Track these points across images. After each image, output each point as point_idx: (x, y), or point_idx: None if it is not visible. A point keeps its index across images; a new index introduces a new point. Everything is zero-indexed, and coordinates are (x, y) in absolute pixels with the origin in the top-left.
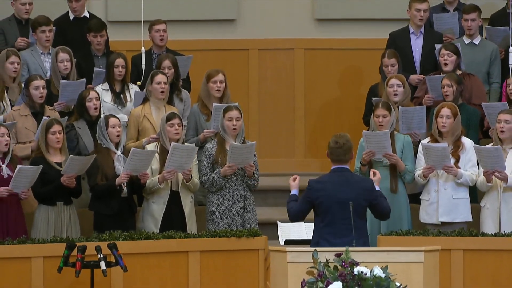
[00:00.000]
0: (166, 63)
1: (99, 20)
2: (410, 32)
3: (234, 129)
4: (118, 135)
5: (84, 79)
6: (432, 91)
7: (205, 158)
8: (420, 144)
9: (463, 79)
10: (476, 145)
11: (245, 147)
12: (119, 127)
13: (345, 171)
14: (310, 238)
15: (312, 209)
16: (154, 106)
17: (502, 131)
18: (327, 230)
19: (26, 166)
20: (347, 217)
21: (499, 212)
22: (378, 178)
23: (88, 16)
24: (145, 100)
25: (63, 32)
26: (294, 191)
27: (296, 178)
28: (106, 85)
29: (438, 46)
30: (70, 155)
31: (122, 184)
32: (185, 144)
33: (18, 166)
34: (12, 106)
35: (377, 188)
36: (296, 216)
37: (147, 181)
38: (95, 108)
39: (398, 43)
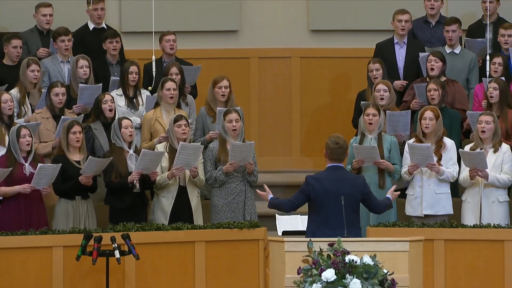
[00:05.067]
0: (174, 70)
1: (114, 30)
2: (395, 42)
3: (234, 130)
4: (130, 135)
5: (101, 84)
6: (419, 97)
7: (208, 157)
8: (406, 143)
9: (445, 84)
10: (461, 150)
11: (245, 145)
12: (131, 128)
13: (340, 169)
14: (305, 229)
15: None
16: (164, 110)
17: (483, 131)
18: (322, 223)
19: (47, 164)
20: (340, 211)
21: (479, 205)
22: (394, 196)
23: (105, 27)
24: (156, 104)
25: (82, 42)
26: (270, 196)
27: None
28: (120, 91)
29: (421, 54)
30: (90, 157)
31: (135, 181)
32: (192, 143)
33: (39, 165)
34: (32, 110)
35: (389, 196)
36: (293, 207)
37: (157, 178)
38: (110, 110)
39: (383, 52)
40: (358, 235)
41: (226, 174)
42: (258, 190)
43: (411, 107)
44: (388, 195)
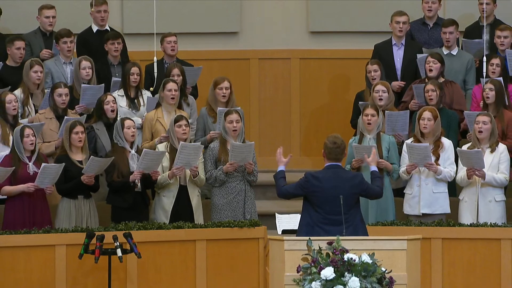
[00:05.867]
0: (175, 71)
1: (116, 31)
2: (393, 43)
3: (234, 130)
4: (132, 135)
5: (103, 84)
6: (418, 98)
7: (209, 157)
8: (404, 143)
9: (443, 85)
10: (459, 148)
11: (245, 146)
12: (133, 128)
13: (338, 168)
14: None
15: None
16: (165, 110)
17: (480, 131)
18: (322, 220)
19: (50, 164)
20: (339, 209)
21: (477, 204)
22: (372, 158)
23: (109, 29)
24: (158, 105)
25: (86, 44)
26: (282, 167)
27: (288, 156)
28: (121, 91)
29: (419, 55)
30: (91, 157)
31: (136, 181)
32: (192, 143)
33: (43, 164)
34: (36, 110)
35: (374, 168)
36: (286, 196)
37: (158, 177)
38: (112, 111)
39: (381, 53)
40: (356, 228)
41: (226, 174)
42: (279, 150)
43: (409, 108)
44: (372, 169)
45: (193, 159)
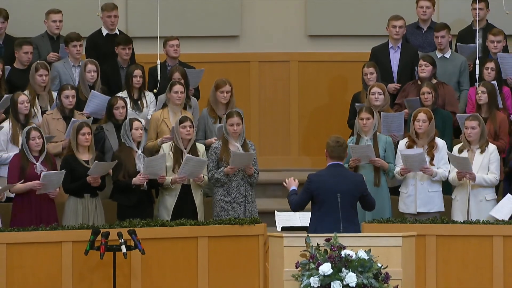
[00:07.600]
0: (177, 74)
1: (127, 36)
2: (389, 46)
3: (235, 132)
4: (140, 136)
5: (110, 97)
6: (410, 109)
7: (211, 157)
8: (398, 152)
9: (437, 87)
10: (449, 152)
11: (246, 155)
12: (141, 130)
13: (340, 167)
14: (304, 225)
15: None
16: (171, 111)
17: (469, 136)
18: (321, 218)
19: (49, 172)
20: (338, 207)
21: (467, 204)
22: None
23: (118, 33)
24: (164, 106)
25: (95, 46)
26: (294, 187)
27: (295, 179)
28: (125, 93)
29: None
30: (95, 161)
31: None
32: (197, 157)
33: (43, 173)
34: (42, 111)
35: None
36: (297, 207)
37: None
38: (121, 115)
39: (378, 56)
40: (356, 230)
41: (227, 176)
42: (291, 180)
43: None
44: None
45: (197, 171)
